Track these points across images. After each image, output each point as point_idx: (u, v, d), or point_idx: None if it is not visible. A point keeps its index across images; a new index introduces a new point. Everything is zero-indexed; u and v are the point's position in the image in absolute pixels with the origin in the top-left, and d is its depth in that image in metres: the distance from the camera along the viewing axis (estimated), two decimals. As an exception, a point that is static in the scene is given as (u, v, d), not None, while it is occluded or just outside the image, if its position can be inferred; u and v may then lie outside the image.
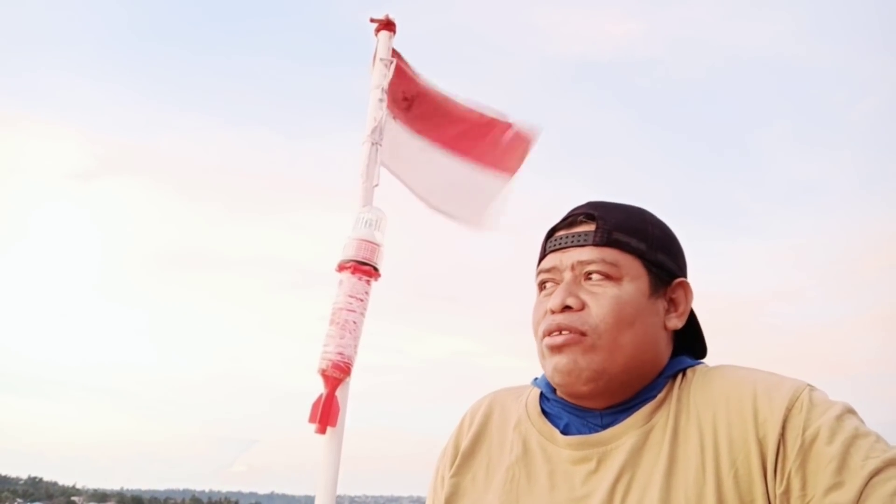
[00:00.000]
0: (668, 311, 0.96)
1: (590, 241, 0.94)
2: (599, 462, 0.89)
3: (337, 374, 1.64)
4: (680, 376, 0.94)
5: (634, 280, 0.93)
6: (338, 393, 1.65)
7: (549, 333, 0.92)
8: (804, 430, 0.79)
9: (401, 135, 2.06)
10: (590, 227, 0.95)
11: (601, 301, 0.91)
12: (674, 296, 0.97)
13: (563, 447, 0.93)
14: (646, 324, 0.93)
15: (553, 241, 0.98)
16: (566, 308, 0.92)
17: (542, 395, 1.03)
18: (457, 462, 1.02)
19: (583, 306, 0.91)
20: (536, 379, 1.06)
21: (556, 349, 0.91)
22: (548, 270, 0.97)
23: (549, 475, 0.92)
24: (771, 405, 0.83)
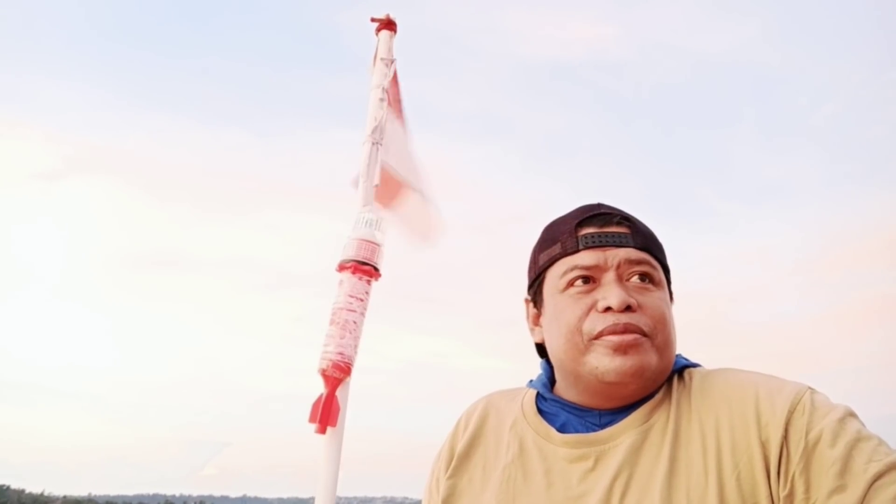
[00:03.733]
0: None
1: (630, 244, 0.95)
2: (597, 461, 0.90)
3: (337, 373, 1.63)
4: (676, 378, 0.96)
5: (664, 286, 0.97)
6: (338, 393, 1.64)
7: (612, 333, 0.90)
8: (807, 433, 0.81)
9: (399, 134, 2.05)
10: (624, 230, 0.96)
11: (654, 303, 0.93)
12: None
13: (560, 445, 0.94)
14: (674, 328, 0.96)
15: (588, 237, 0.96)
16: (626, 307, 0.91)
17: (538, 394, 1.04)
18: (453, 464, 1.02)
19: (638, 307, 0.92)
20: (532, 381, 1.07)
21: (622, 350, 0.89)
22: (588, 267, 0.94)
23: (545, 473, 0.93)
24: (773, 408, 0.84)
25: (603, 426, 0.93)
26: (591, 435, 0.93)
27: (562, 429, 0.96)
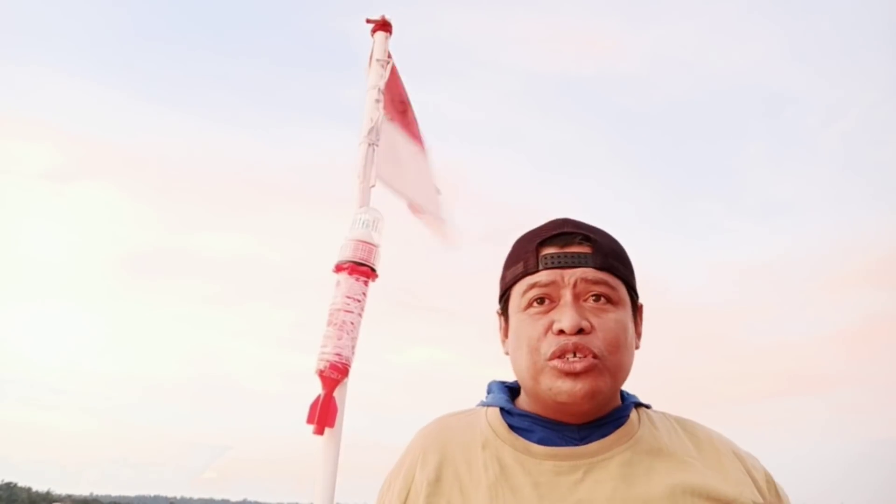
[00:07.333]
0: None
1: (589, 264, 0.97)
2: (586, 473, 0.93)
3: (335, 374, 1.63)
4: (642, 409, 1.03)
5: (625, 305, 0.99)
6: (335, 394, 1.64)
7: (561, 354, 0.93)
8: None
9: (396, 137, 2.05)
10: (586, 249, 0.98)
11: (608, 325, 0.95)
12: (636, 319, 1.04)
13: (545, 459, 0.95)
14: (632, 347, 0.99)
15: (547, 258, 0.98)
16: (579, 330, 0.94)
17: (501, 411, 1.03)
18: (425, 491, 0.97)
19: (591, 329, 0.94)
20: (483, 401, 1.08)
21: (573, 375, 0.93)
22: (545, 285, 0.97)
23: (533, 487, 0.93)
24: (755, 466, 0.98)
25: (582, 439, 0.97)
26: (580, 448, 0.95)
27: (541, 443, 0.97)
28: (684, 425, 1.02)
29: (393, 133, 2.02)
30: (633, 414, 1.00)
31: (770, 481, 0.97)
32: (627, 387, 1.05)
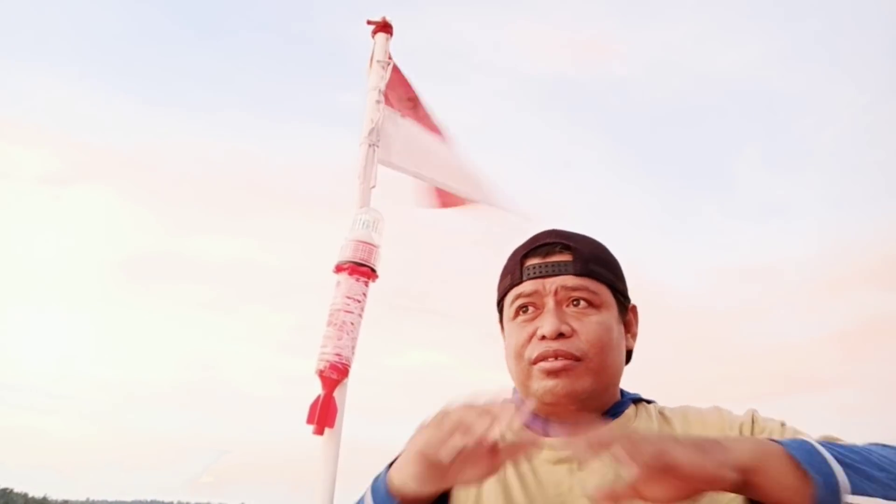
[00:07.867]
0: (625, 334, 1.06)
1: (570, 271, 1.02)
2: (581, 462, 0.96)
3: (334, 375, 1.63)
4: (643, 404, 1.06)
5: (609, 307, 1.02)
6: (335, 394, 1.64)
7: (544, 358, 0.98)
8: (765, 427, 0.96)
9: (414, 131, 2.05)
10: (566, 258, 1.03)
11: (589, 327, 0.99)
12: (627, 319, 1.07)
13: (545, 449, 0.99)
14: (619, 347, 1.03)
15: (530, 268, 1.04)
16: (559, 334, 0.98)
17: None
18: None
19: (572, 332, 0.99)
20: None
21: (554, 374, 0.98)
22: (528, 294, 1.03)
23: (533, 474, 0.99)
24: (742, 421, 0.98)
25: None
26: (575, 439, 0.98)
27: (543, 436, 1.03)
28: (676, 412, 1.06)
29: (409, 127, 2.02)
30: (631, 409, 1.05)
31: (754, 416, 0.98)
32: (630, 389, 1.09)
